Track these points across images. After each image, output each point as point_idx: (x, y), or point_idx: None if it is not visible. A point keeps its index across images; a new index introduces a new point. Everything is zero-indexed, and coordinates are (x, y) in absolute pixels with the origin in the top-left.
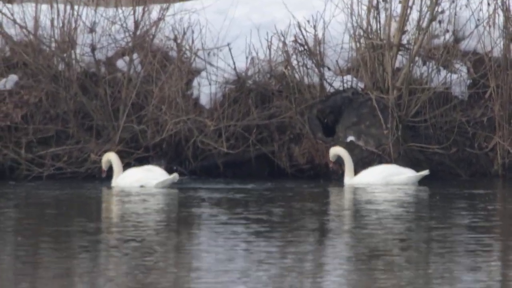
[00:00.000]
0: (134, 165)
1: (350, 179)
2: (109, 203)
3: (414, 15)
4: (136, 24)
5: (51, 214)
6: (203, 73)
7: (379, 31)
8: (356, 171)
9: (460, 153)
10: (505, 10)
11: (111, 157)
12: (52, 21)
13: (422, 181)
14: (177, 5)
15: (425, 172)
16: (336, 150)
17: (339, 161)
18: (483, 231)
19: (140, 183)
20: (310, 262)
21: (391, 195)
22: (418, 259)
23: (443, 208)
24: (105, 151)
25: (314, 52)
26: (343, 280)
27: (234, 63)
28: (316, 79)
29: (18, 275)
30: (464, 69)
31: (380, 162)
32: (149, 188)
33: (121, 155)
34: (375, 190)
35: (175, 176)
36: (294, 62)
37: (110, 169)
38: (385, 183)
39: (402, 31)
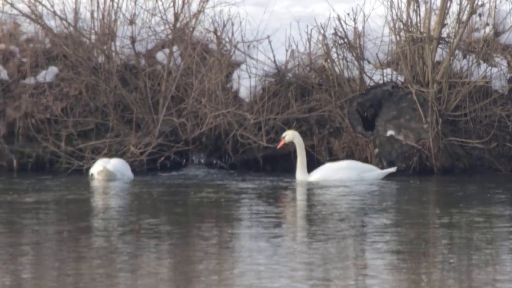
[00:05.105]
0: (173, 159)
1: (304, 175)
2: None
3: (454, 8)
4: (176, 16)
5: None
6: (243, 66)
7: (419, 24)
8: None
9: (500, 148)
10: None
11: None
12: (92, 13)
13: (459, 176)
14: None
15: (393, 169)
16: (295, 135)
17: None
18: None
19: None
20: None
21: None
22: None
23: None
24: (145, 144)
25: (354, 45)
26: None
27: (274, 56)
28: (356, 73)
29: None
30: (504, 62)
31: (420, 156)
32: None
33: (161, 148)
34: (346, 186)
35: (104, 169)
36: (334, 55)
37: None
38: (359, 179)
39: (442, 24)
